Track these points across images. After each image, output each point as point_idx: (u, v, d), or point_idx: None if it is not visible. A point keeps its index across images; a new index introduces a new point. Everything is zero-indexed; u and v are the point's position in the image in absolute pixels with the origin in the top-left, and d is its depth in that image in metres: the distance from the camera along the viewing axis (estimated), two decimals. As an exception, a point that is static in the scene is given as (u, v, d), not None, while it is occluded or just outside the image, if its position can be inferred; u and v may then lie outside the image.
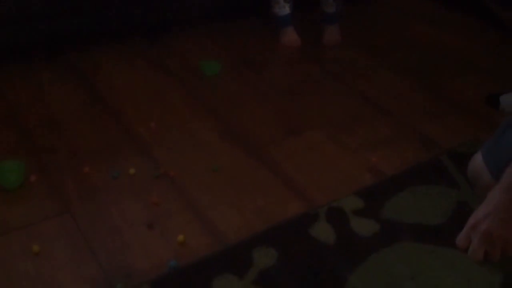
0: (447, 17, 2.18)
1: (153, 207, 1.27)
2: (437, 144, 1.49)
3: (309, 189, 1.33)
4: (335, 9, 1.95)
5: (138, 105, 1.64)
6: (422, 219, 1.22)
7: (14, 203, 1.28)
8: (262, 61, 1.86)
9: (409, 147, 1.48)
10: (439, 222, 1.21)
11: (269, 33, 1.98)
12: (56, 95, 1.68)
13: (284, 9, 1.90)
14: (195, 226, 1.22)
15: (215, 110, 1.62)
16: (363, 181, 1.35)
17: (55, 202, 1.28)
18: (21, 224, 1.22)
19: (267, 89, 1.73)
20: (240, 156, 1.44)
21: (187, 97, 1.68)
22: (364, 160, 1.43)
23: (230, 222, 1.23)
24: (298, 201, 1.29)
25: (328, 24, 1.98)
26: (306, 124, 1.57)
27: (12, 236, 1.19)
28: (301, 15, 2.05)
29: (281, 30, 1.94)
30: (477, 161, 1.23)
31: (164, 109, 1.62)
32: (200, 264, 1.11)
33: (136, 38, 1.96)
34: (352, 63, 1.88)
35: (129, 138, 1.50)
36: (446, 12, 2.19)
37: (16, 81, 1.73)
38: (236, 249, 1.15)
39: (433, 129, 1.55)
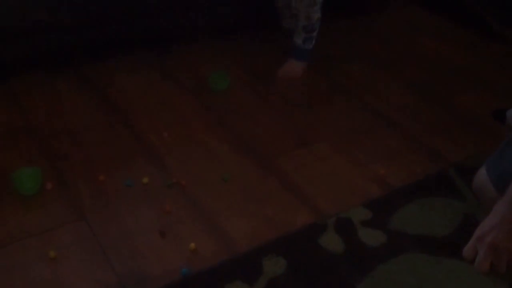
0: (454, 32, 2.21)
1: (166, 215, 1.30)
2: (444, 157, 1.51)
3: (318, 199, 1.36)
4: (303, 41, 1.81)
5: (151, 115, 1.68)
6: (429, 230, 1.24)
7: (31, 210, 1.31)
8: (272, 73, 1.89)
9: (417, 160, 1.51)
10: (446, 233, 1.23)
11: (279, 46, 2.02)
12: (71, 105, 1.72)
13: (291, 23, 1.90)
14: (206, 234, 1.25)
15: (226, 121, 1.66)
16: (371, 193, 1.38)
17: (71, 209, 1.31)
18: (37, 230, 1.25)
19: (277, 101, 1.77)
20: (250, 167, 1.47)
21: (198, 108, 1.72)
22: (372, 172, 1.45)
23: (240, 230, 1.26)
24: (307, 211, 1.32)
25: (290, 56, 1.86)
26: (315, 136, 1.60)
27: (29, 241, 1.22)
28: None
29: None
30: (482, 175, 1.25)
31: (176, 119, 1.66)
32: (211, 271, 1.14)
33: (149, 50, 2.00)
34: (360, 76, 1.92)
35: (142, 147, 1.54)
36: (453, 27, 2.22)
37: (32, 91, 1.78)
38: (247, 257, 1.18)
39: (440, 143, 1.58)
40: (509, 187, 1.12)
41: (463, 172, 1.41)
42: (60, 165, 1.46)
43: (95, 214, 1.30)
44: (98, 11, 1.77)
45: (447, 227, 1.25)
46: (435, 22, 2.29)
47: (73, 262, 1.17)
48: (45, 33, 1.78)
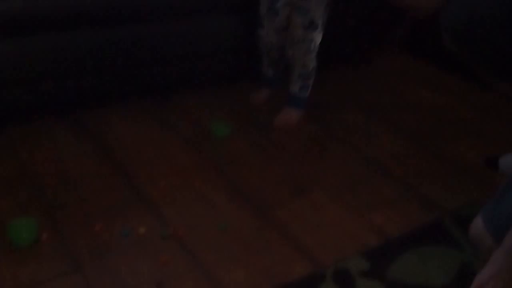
0: (445, 81, 2.27)
1: (162, 266, 1.29)
2: (440, 206, 1.52)
3: (315, 249, 1.35)
4: (299, 89, 1.83)
5: (148, 164, 1.69)
6: (427, 280, 1.24)
7: (26, 261, 1.30)
8: (270, 123, 1.92)
9: (412, 208, 1.52)
10: (444, 283, 1.23)
11: (276, 96, 2.06)
12: (68, 154, 1.73)
13: (267, 71, 1.92)
14: (203, 285, 1.24)
15: (223, 171, 1.67)
16: (368, 242, 1.38)
17: (66, 260, 1.30)
18: (32, 282, 1.23)
19: (274, 151, 1.79)
20: (247, 216, 1.47)
21: (196, 157, 1.74)
22: (368, 221, 1.46)
23: (237, 281, 1.25)
24: (304, 261, 1.32)
25: (286, 105, 1.88)
26: (311, 185, 1.61)
27: (23, 294, 1.20)
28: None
29: (258, 86, 1.94)
30: (478, 224, 1.26)
31: (173, 168, 1.67)
32: (209, 324, 1.12)
33: (147, 99, 2.03)
34: (354, 125, 1.95)
35: (139, 196, 1.54)
36: (445, 76, 2.28)
37: (29, 140, 1.79)
38: (244, 309, 1.16)
39: (435, 191, 1.59)
40: (507, 235, 1.13)
41: (459, 221, 1.42)
42: (56, 215, 1.45)
43: (91, 265, 1.29)
44: (97, 60, 1.81)
45: (445, 277, 1.25)
46: (425, 71, 2.36)
47: (67, 316, 1.15)
48: (43, 81, 1.81)
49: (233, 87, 2.11)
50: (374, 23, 2.18)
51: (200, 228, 1.42)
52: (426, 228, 1.42)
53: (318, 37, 1.70)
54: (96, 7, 1.69)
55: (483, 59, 1.08)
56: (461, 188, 1.61)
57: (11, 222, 1.35)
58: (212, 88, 2.09)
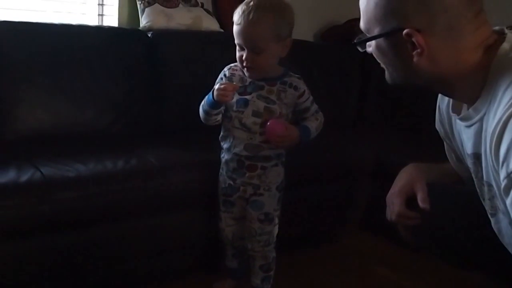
0: (410, 260, 1.97)
1: None
2: None
3: None
4: (261, 280, 1.68)
5: None
6: None
7: None
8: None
9: None
10: None
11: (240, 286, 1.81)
12: None
13: (231, 263, 1.77)
14: None
15: None
16: None
17: None
18: None
19: None
20: None
21: None
22: None
23: None
24: None
25: None
26: None
27: None
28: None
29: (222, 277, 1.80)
30: None
31: None
32: None
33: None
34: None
35: None
36: (409, 255, 1.93)
37: None
38: None
39: None
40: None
41: None
42: None
43: None
44: (70, 260, 1.56)
45: None
46: (388, 250, 2.08)
47: None
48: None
49: (197, 279, 1.83)
50: (329, 208, 2.07)
51: None
52: None
53: (275, 229, 1.66)
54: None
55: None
56: None
57: None
58: (177, 281, 1.81)
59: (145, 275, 1.73)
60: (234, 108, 1.55)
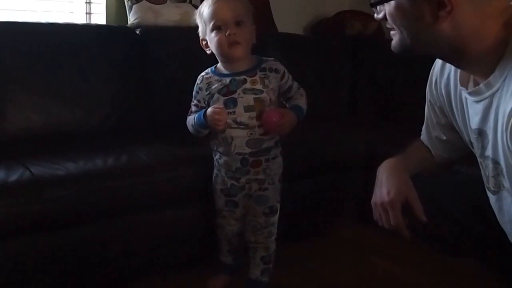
0: (406, 250, 1.94)
1: None
2: None
3: None
4: (261, 272, 1.66)
5: None
6: None
7: None
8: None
9: None
10: None
11: (234, 282, 1.76)
12: None
13: (227, 259, 1.74)
14: None
15: None
16: None
17: None
18: None
19: None
20: None
21: None
22: None
23: None
24: None
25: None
26: None
27: None
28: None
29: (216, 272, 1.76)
30: None
31: None
32: None
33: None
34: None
35: None
36: (410, 247, 1.88)
37: None
38: None
39: None
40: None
41: None
42: None
43: None
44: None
45: None
46: (386, 241, 1.96)
47: None
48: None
49: (191, 274, 1.80)
50: (324, 200, 2.07)
51: None
52: None
53: (277, 219, 1.66)
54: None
55: None
56: None
57: None
58: (171, 275, 1.78)
59: (137, 272, 1.72)
60: (225, 111, 1.52)
